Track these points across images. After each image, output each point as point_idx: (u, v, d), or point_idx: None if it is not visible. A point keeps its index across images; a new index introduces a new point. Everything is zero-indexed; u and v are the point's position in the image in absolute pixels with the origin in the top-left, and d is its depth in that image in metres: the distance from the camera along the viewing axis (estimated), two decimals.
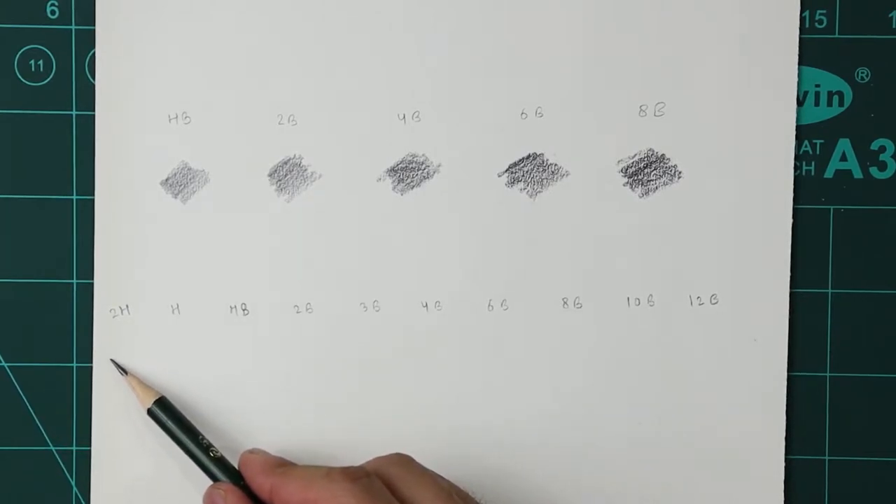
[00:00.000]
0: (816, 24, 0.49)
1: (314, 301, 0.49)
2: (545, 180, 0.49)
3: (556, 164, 0.49)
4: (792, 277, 0.49)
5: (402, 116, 0.49)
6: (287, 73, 0.49)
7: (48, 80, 0.49)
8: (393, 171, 0.49)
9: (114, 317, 0.49)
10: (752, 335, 0.49)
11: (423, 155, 0.49)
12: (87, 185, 0.49)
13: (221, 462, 0.46)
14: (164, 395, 0.48)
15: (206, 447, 0.47)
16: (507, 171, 0.49)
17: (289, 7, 0.49)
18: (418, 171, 0.49)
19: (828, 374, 0.50)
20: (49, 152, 0.49)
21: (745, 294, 0.49)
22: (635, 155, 0.49)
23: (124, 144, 0.49)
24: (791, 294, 0.49)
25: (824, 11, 0.49)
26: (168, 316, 0.49)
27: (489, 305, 0.49)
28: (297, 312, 0.49)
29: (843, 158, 0.50)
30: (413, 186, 0.49)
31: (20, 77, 0.49)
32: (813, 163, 0.50)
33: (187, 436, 0.47)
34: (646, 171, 0.49)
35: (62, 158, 0.49)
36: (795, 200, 0.49)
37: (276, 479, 0.44)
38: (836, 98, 0.50)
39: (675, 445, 0.49)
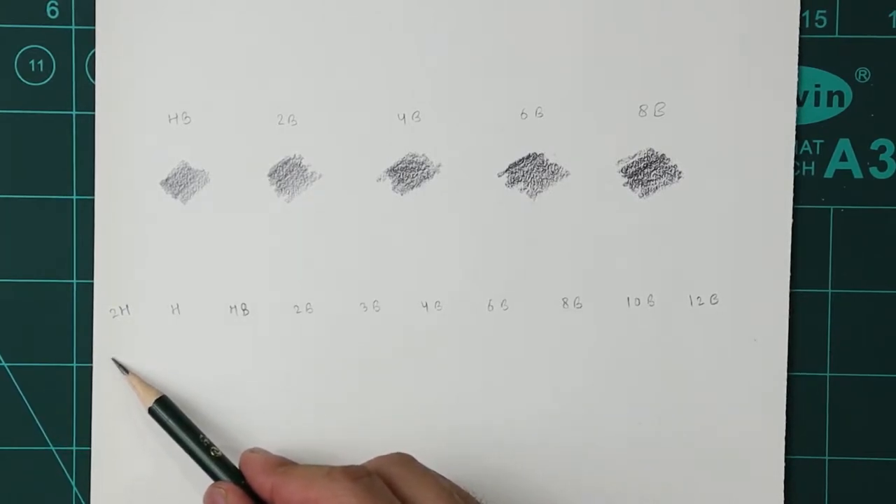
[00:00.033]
0: (816, 24, 0.49)
1: (314, 301, 0.49)
2: (545, 180, 0.49)
3: (556, 164, 0.49)
4: (792, 277, 0.49)
5: (402, 116, 0.49)
6: (287, 73, 0.49)
7: (48, 80, 0.49)
8: (393, 171, 0.49)
9: (114, 317, 0.49)
10: (752, 335, 0.49)
11: (423, 155, 0.49)
12: (87, 185, 0.49)
13: (222, 461, 0.46)
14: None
15: (207, 446, 0.47)
16: (507, 171, 0.49)
17: (289, 7, 0.49)
18: (418, 171, 0.49)
19: (828, 374, 0.50)
20: (49, 152, 0.49)
21: (745, 294, 0.49)
22: (635, 155, 0.49)
23: (124, 144, 0.49)
24: (791, 294, 0.49)
25: (824, 11, 0.49)
26: (168, 316, 0.49)
27: (489, 305, 0.49)
28: (297, 312, 0.49)
29: (843, 158, 0.50)
30: (413, 186, 0.49)
31: (20, 77, 0.49)
32: (813, 163, 0.50)
33: (188, 435, 0.47)
34: (646, 171, 0.49)
35: (62, 158, 0.49)
36: (795, 200, 0.49)
37: (276, 478, 0.44)
38: (836, 98, 0.50)
39: (675, 445, 0.49)
